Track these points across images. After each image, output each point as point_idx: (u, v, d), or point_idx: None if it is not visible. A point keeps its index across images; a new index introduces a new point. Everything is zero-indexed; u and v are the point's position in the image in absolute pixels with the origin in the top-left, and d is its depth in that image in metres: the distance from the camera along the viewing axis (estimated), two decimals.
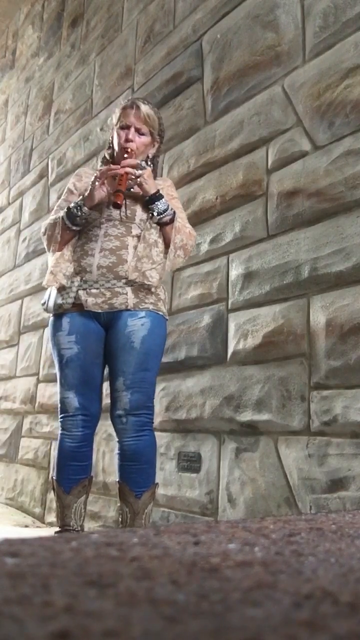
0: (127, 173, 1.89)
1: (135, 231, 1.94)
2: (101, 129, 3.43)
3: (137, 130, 2.03)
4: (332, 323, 1.77)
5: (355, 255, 1.74)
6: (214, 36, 2.56)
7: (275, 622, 0.44)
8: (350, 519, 1.04)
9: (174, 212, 1.97)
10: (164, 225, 1.97)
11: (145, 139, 2.05)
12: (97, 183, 1.91)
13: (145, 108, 2.03)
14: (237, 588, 0.54)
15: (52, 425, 3.31)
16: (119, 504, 1.89)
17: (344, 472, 1.65)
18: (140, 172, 1.92)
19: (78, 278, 1.90)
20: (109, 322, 1.90)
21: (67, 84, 4.06)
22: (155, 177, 2.07)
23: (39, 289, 3.85)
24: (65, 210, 1.95)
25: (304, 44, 2.08)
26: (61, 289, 1.91)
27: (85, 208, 1.92)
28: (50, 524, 3.03)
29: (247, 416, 2.02)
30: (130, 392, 1.82)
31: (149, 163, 2.08)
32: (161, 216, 1.94)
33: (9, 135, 5.08)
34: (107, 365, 1.95)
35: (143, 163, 1.99)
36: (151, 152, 2.11)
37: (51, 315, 1.98)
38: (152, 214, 1.94)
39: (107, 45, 3.58)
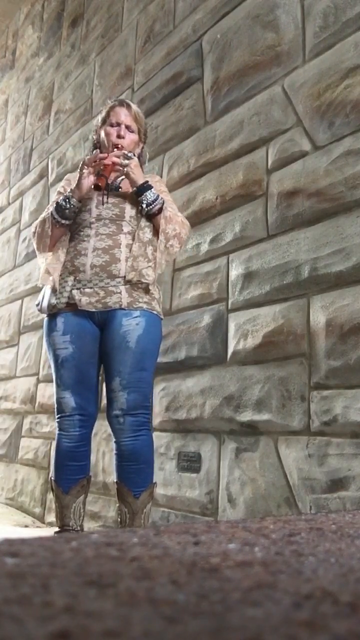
0: (113, 163, 1.92)
1: (126, 228, 1.94)
2: None
3: (127, 128, 2.06)
4: (332, 323, 1.77)
5: (355, 255, 1.74)
6: (214, 36, 2.56)
7: (275, 622, 0.44)
8: (350, 519, 1.04)
9: (163, 202, 1.96)
10: (153, 216, 1.96)
11: (135, 137, 2.09)
12: (84, 172, 1.92)
13: (134, 107, 2.09)
14: (237, 588, 0.54)
15: (52, 425, 3.31)
16: (117, 504, 1.89)
17: (344, 472, 1.65)
18: (126, 162, 1.93)
19: (72, 278, 1.90)
20: (103, 321, 1.89)
21: (67, 84, 4.06)
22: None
23: (39, 289, 3.84)
24: (54, 205, 1.95)
25: (304, 44, 2.08)
26: (55, 289, 1.91)
27: (74, 199, 1.92)
28: (50, 524, 3.02)
29: (247, 416, 2.02)
30: (127, 392, 1.82)
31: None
32: (150, 207, 1.94)
33: (9, 135, 5.08)
34: (102, 365, 1.95)
35: (130, 154, 1.99)
36: (137, 150, 2.12)
37: (45, 315, 1.97)
38: (142, 206, 1.93)
39: (107, 45, 3.58)
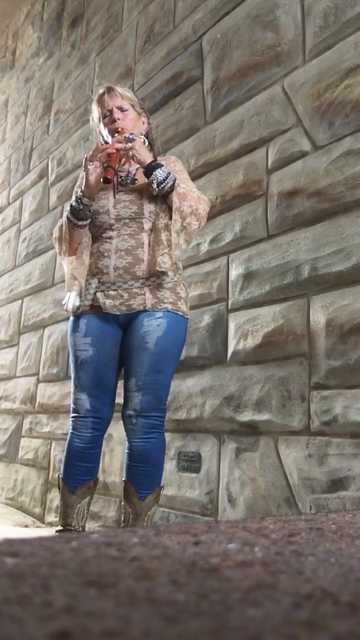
0: (117, 150, 1.83)
1: (147, 225, 1.87)
2: None
3: (120, 109, 1.97)
4: (332, 323, 1.77)
5: (355, 255, 1.74)
6: (214, 36, 2.56)
7: (275, 622, 0.44)
8: (350, 519, 1.04)
9: (175, 179, 1.87)
10: (167, 195, 1.86)
11: (131, 114, 1.99)
12: (89, 168, 1.87)
13: (117, 87, 2.00)
14: (237, 588, 0.54)
15: (52, 425, 3.31)
16: (122, 503, 1.88)
17: (344, 472, 1.65)
18: (130, 145, 1.85)
19: (95, 280, 1.87)
20: (127, 323, 1.88)
21: (67, 84, 4.06)
22: (153, 153, 2.01)
23: (39, 289, 3.85)
24: (68, 208, 1.92)
25: (304, 44, 2.08)
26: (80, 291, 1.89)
27: (85, 199, 1.87)
28: (50, 524, 3.03)
29: (247, 416, 2.02)
30: (142, 393, 1.81)
31: (144, 139, 2.00)
32: (162, 185, 1.84)
33: (9, 135, 5.08)
34: (123, 367, 1.94)
35: (132, 135, 1.90)
36: (143, 128, 2.04)
37: (71, 315, 1.96)
38: (152, 186, 1.85)
39: (107, 45, 3.59)
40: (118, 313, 1.85)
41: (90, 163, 1.86)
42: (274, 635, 0.41)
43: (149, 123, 2.09)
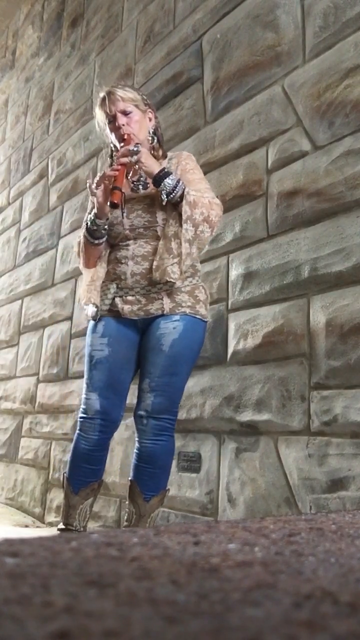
0: (123, 165, 1.79)
1: (161, 232, 1.86)
2: None
3: (124, 112, 1.93)
4: (332, 323, 1.77)
5: (355, 255, 1.74)
6: (214, 36, 2.56)
7: (275, 622, 0.44)
8: (350, 519, 1.04)
9: (184, 187, 1.82)
10: (177, 203, 1.83)
11: (135, 115, 1.95)
12: (97, 193, 1.84)
13: (117, 90, 1.95)
14: (237, 588, 0.54)
15: (52, 425, 3.31)
16: (127, 502, 1.88)
17: (344, 472, 1.65)
18: (135, 157, 1.80)
19: (114, 285, 1.88)
20: (145, 327, 1.88)
21: (67, 84, 4.06)
22: (162, 150, 1.99)
23: (39, 289, 3.85)
24: (85, 227, 1.91)
25: (304, 44, 2.08)
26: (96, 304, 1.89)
27: (99, 220, 1.86)
28: (50, 524, 3.03)
29: (247, 416, 2.02)
30: (154, 394, 1.80)
31: (151, 137, 1.98)
32: (171, 195, 1.80)
33: (9, 135, 5.08)
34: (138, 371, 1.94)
35: (139, 146, 1.85)
36: (150, 125, 2.00)
37: (90, 319, 1.95)
38: (162, 196, 1.81)
39: (107, 45, 3.59)
40: (136, 318, 1.85)
41: (97, 188, 1.82)
42: (274, 635, 0.41)
43: (155, 117, 2.03)
